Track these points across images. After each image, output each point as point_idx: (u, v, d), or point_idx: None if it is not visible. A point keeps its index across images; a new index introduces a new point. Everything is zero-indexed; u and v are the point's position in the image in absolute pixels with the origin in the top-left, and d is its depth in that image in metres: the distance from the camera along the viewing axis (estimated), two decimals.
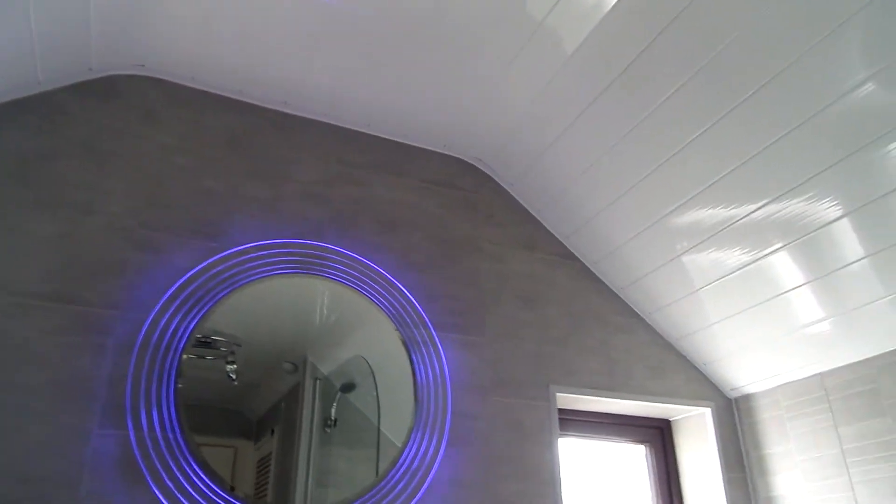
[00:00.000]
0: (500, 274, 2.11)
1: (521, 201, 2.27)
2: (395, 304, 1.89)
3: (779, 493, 2.12)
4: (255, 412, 1.65)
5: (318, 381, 1.75)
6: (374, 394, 1.77)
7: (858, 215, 1.71)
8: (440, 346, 1.90)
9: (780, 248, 1.88)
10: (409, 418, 1.76)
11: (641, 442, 2.35)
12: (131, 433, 1.45)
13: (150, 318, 1.57)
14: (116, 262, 1.60)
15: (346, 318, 1.83)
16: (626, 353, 2.22)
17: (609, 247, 2.21)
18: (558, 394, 2.02)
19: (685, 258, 2.08)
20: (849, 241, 1.77)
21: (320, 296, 1.81)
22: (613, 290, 2.30)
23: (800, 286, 1.92)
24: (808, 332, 2.00)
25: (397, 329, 1.85)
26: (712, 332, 2.21)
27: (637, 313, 2.31)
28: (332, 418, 1.72)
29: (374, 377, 1.80)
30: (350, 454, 1.69)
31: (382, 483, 1.66)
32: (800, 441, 2.09)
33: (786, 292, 1.97)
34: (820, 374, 2.06)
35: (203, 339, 1.61)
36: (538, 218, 2.28)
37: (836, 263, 1.82)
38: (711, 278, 2.08)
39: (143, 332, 1.55)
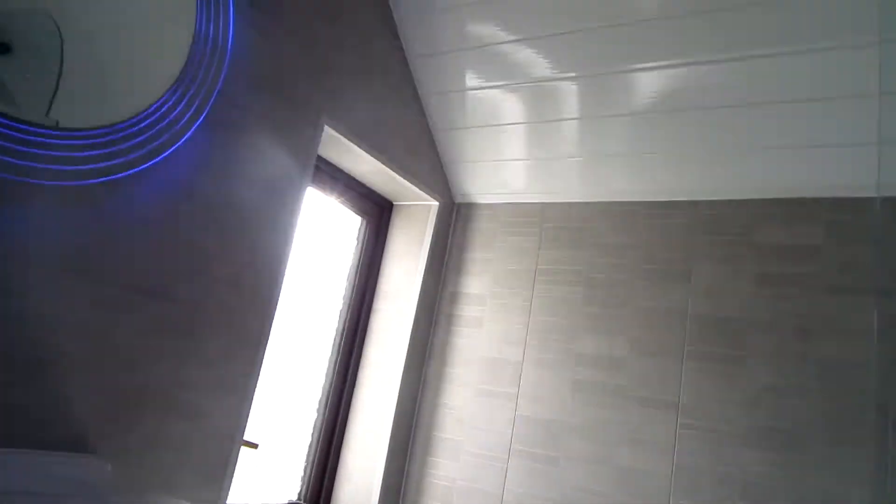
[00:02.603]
0: None
1: None
2: None
3: (467, 290, 2.33)
4: None
5: None
6: (57, 67, 1.28)
7: (586, 81, 1.92)
8: (231, 12, 1.52)
9: (548, 80, 1.96)
10: (176, 71, 1.38)
11: (362, 214, 2.32)
12: None
13: None
14: None
15: None
16: (395, 123, 2.12)
17: (423, 5, 2.03)
18: (326, 126, 1.83)
19: (477, 52, 2.03)
20: (571, 100, 1.99)
21: None
22: (410, 55, 2.15)
23: (551, 122, 2.06)
24: (538, 164, 2.19)
25: None
26: (468, 135, 2.25)
27: (417, 90, 2.21)
28: None
29: (61, 43, 1.33)
30: None
31: (106, 129, 1.28)
32: (503, 253, 2.31)
33: (530, 123, 2.10)
34: (541, 203, 2.29)
35: None
36: None
37: (569, 113, 2.00)
38: (485, 84, 2.10)
39: None
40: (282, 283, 1.69)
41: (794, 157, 1.81)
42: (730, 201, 1.97)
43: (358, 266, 2.29)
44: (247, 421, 1.60)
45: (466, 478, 2.11)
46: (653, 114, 1.92)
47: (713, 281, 1.92)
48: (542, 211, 2.28)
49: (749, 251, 1.90)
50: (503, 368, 2.16)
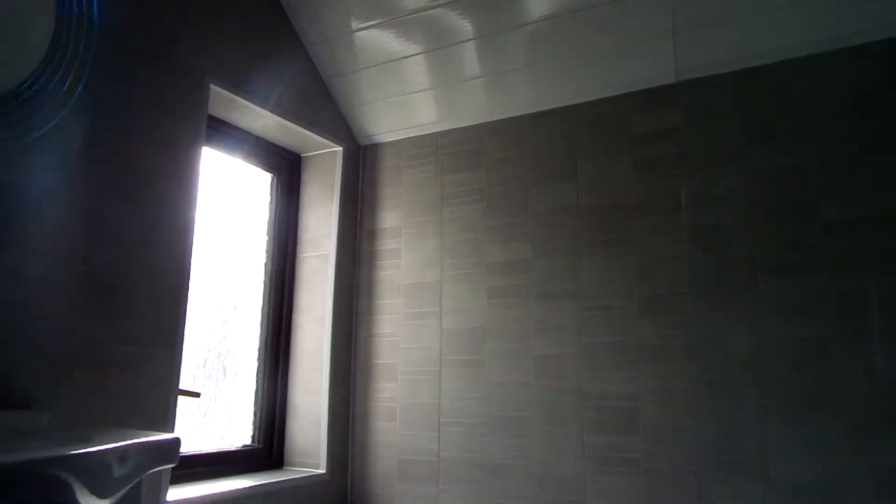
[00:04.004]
0: None
1: None
2: None
3: (382, 226, 2.47)
4: None
5: None
6: None
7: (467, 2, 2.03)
8: None
9: (427, 9, 2.07)
10: (43, 48, 1.45)
11: (271, 170, 2.42)
12: None
13: None
14: None
15: None
16: (285, 75, 2.21)
17: None
18: (212, 85, 1.91)
19: None
20: (464, 22, 2.09)
21: None
22: (288, 7, 2.22)
23: (428, 52, 2.18)
24: (431, 94, 2.31)
25: None
26: (363, 77, 2.35)
27: (301, 40, 2.30)
28: None
29: None
30: None
31: None
32: (409, 186, 2.44)
33: (426, 52, 2.21)
34: (437, 132, 2.42)
35: None
36: None
37: (454, 39, 2.13)
38: (370, 23, 2.19)
39: None
40: (192, 239, 1.79)
41: (642, 49, 1.97)
42: (603, 100, 2.13)
43: (275, 220, 2.40)
44: (180, 368, 1.72)
45: (406, 395, 2.28)
46: (534, 25, 2.03)
47: (596, 174, 2.09)
48: (437, 140, 2.41)
49: (624, 141, 2.06)
50: (425, 290, 2.32)
